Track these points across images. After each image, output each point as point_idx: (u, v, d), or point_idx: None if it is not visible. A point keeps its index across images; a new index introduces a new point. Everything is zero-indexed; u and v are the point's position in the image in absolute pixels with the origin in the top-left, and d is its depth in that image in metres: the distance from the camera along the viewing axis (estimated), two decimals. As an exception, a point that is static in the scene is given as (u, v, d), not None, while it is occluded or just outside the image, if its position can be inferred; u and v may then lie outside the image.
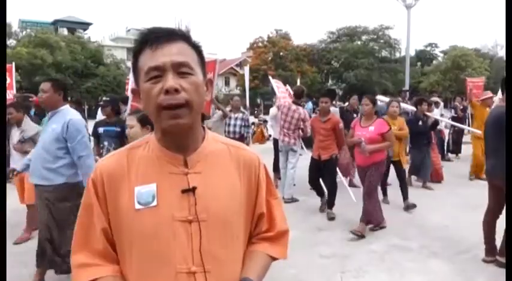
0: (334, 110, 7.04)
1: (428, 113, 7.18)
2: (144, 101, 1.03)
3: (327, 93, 6.02)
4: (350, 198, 6.12)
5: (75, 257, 1.07)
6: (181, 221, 1.02)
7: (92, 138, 5.63)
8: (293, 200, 6.24)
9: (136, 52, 1.04)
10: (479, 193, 6.27)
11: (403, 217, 5.51)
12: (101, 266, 1.04)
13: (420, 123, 6.97)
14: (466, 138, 11.54)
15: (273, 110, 7.56)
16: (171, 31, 1.03)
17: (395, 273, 3.82)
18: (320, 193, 5.91)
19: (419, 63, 45.26)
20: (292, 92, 7.53)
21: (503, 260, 3.73)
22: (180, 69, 1.00)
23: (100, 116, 6.76)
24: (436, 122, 7.19)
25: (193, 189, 1.03)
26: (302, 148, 7.16)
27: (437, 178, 7.61)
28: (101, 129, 5.14)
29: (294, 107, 6.24)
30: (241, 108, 7.60)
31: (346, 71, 39.74)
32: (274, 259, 1.19)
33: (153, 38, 1.01)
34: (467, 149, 10.94)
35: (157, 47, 1.00)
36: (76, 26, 44.12)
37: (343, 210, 5.78)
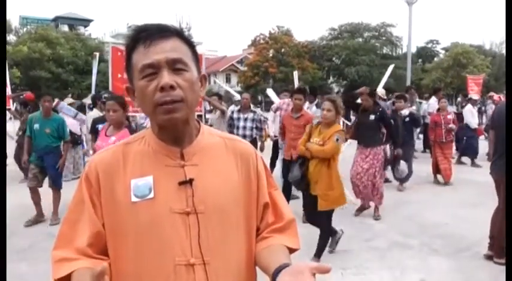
0: (316, 110, 6.96)
1: (406, 110, 6.87)
2: (140, 99, 1.03)
3: (300, 91, 5.79)
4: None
5: (56, 253, 1.04)
6: (179, 213, 1.02)
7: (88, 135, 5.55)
8: (293, 197, 6.23)
9: (129, 49, 1.04)
10: (480, 190, 6.30)
11: (404, 215, 5.51)
12: (81, 260, 1.02)
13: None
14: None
15: (273, 106, 7.44)
16: (164, 27, 1.02)
17: (395, 270, 3.82)
18: (289, 200, 5.41)
19: (420, 60, 45.15)
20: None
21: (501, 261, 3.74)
22: (175, 66, 0.99)
23: (96, 112, 6.64)
24: (413, 120, 6.78)
25: (190, 181, 1.03)
26: None
27: (447, 177, 7.30)
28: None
29: (287, 100, 6.28)
30: (252, 107, 6.93)
31: (347, 67, 39.64)
32: (290, 250, 1.16)
33: (146, 35, 1.00)
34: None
35: (150, 44, 0.99)
36: (77, 22, 44.16)
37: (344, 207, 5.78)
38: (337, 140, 3.80)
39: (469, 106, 9.46)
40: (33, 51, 27.16)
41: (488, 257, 3.96)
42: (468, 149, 9.04)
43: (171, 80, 0.97)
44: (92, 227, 1.04)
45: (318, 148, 3.82)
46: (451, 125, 7.20)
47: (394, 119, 6.53)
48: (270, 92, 8.02)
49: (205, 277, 1.02)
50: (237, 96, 8.23)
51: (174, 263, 1.00)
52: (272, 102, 7.91)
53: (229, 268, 1.06)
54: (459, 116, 10.99)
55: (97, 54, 11.11)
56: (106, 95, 5.31)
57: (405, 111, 6.93)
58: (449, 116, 7.35)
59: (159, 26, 1.03)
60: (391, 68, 8.36)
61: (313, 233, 4.80)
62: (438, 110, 7.53)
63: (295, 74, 10.29)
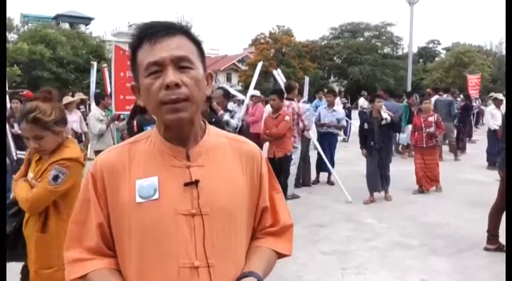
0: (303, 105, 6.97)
1: (383, 113, 5.99)
2: (145, 97, 1.02)
3: (275, 91, 5.87)
4: (350, 195, 6.11)
5: (68, 254, 1.05)
6: (184, 215, 1.00)
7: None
8: (294, 196, 6.23)
9: (134, 47, 1.03)
10: (480, 190, 6.30)
11: (404, 215, 5.50)
12: (96, 260, 1.03)
13: (366, 125, 6.07)
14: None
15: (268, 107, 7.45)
16: (170, 25, 1.02)
17: (396, 270, 3.82)
18: None
19: (421, 60, 45.12)
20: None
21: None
22: (180, 63, 0.99)
23: (96, 110, 6.59)
24: (392, 123, 5.95)
25: (196, 182, 1.02)
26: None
27: (427, 185, 6.65)
28: (149, 128, 4.60)
29: (286, 102, 6.28)
30: (232, 106, 5.94)
31: (350, 67, 39.61)
32: (280, 255, 1.18)
33: (151, 32, 0.99)
34: (472, 147, 10.96)
35: (156, 41, 0.98)
36: (78, 20, 44.04)
37: (343, 207, 5.78)
38: (55, 178, 2.01)
39: (491, 107, 8.86)
40: (33, 53, 27.18)
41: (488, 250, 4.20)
42: (487, 152, 8.67)
43: (176, 77, 0.97)
44: (99, 225, 1.04)
45: (22, 194, 2.08)
46: (430, 129, 6.50)
47: (369, 122, 6.03)
48: (276, 73, 7.76)
49: (209, 280, 1.01)
50: (239, 96, 8.15)
51: (178, 265, 0.99)
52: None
53: (234, 271, 1.05)
54: (461, 116, 10.95)
55: (95, 63, 11.11)
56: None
57: (384, 115, 5.99)
58: (431, 118, 6.62)
59: (164, 23, 1.02)
60: (260, 65, 8.35)
61: (314, 232, 4.82)
62: (419, 111, 6.94)
63: (307, 79, 10.12)
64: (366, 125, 6.07)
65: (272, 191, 1.19)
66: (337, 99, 12.23)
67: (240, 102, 8.70)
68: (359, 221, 5.27)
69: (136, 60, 1.02)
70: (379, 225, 5.11)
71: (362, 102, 13.86)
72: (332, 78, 43.40)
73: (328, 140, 7.35)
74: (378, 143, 5.94)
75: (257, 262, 1.09)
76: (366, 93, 14.95)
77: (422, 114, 6.82)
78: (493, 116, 8.44)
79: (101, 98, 6.74)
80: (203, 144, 1.08)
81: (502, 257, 3.82)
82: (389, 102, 8.45)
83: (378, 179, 6.07)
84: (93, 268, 1.02)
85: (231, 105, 7.31)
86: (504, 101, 8.27)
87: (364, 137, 6.12)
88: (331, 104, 7.42)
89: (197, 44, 1.05)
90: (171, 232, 1.00)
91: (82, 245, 1.04)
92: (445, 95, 10.25)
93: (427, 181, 6.64)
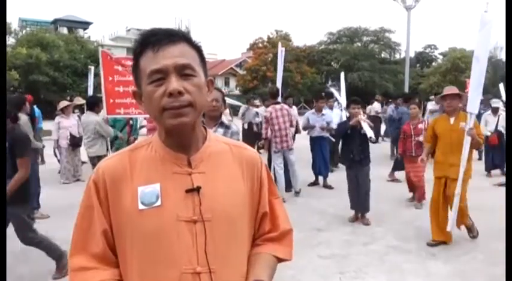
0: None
1: (362, 121, 5.15)
2: (147, 103, 1.03)
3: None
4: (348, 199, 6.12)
5: (73, 261, 1.05)
6: (186, 221, 1.01)
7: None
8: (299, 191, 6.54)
9: (136, 54, 1.03)
10: (478, 195, 6.31)
11: (402, 219, 5.52)
12: (100, 270, 1.03)
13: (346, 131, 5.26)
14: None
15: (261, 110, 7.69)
16: (172, 32, 1.02)
17: (394, 274, 3.83)
18: None
19: (418, 65, 45.30)
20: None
21: None
22: (183, 71, 0.99)
23: (89, 115, 6.45)
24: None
25: (198, 189, 1.03)
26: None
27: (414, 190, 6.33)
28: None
29: (278, 106, 6.49)
30: (225, 117, 4.12)
31: (349, 73, 39.76)
32: (280, 260, 1.18)
33: (154, 40, 1.00)
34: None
35: (159, 49, 0.99)
36: (76, 25, 44.07)
37: (342, 211, 5.78)
38: None
39: (486, 113, 8.58)
40: (29, 56, 27.16)
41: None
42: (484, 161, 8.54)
43: (179, 85, 0.97)
44: (104, 231, 1.04)
45: None
46: (420, 138, 6.01)
47: (345, 131, 5.28)
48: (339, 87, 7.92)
49: None
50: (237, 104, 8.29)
51: (180, 271, 1.00)
52: None
53: (235, 276, 1.06)
54: None
55: (92, 67, 11.16)
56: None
57: (364, 126, 5.14)
58: (421, 126, 6.21)
59: (167, 30, 1.03)
60: (342, 75, 8.36)
61: (312, 236, 4.82)
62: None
63: (342, 75, 10.24)
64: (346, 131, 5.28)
65: (271, 196, 1.20)
66: (335, 103, 12.23)
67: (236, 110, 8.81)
68: (356, 225, 5.29)
69: (139, 66, 1.03)
70: (377, 229, 5.12)
71: (377, 107, 13.26)
72: (330, 83, 43.53)
73: (318, 144, 7.51)
74: (357, 154, 5.20)
75: (262, 270, 1.09)
76: (380, 97, 14.68)
77: (411, 121, 6.39)
78: (487, 123, 8.28)
79: (100, 102, 6.71)
80: (204, 150, 1.09)
81: (499, 260, 3.84)
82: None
83: (359, 197, 5.34)
84: (97, 279, 1.01)
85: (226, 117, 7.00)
86: (500, 108, 8.33)
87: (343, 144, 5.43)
88: (319, 110, 7.52)
89: (198, 50, 1.06)
90: (173, 238, 1.00)
91: (87, 252, 1.03)
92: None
93: (421, 191, 6.17)
